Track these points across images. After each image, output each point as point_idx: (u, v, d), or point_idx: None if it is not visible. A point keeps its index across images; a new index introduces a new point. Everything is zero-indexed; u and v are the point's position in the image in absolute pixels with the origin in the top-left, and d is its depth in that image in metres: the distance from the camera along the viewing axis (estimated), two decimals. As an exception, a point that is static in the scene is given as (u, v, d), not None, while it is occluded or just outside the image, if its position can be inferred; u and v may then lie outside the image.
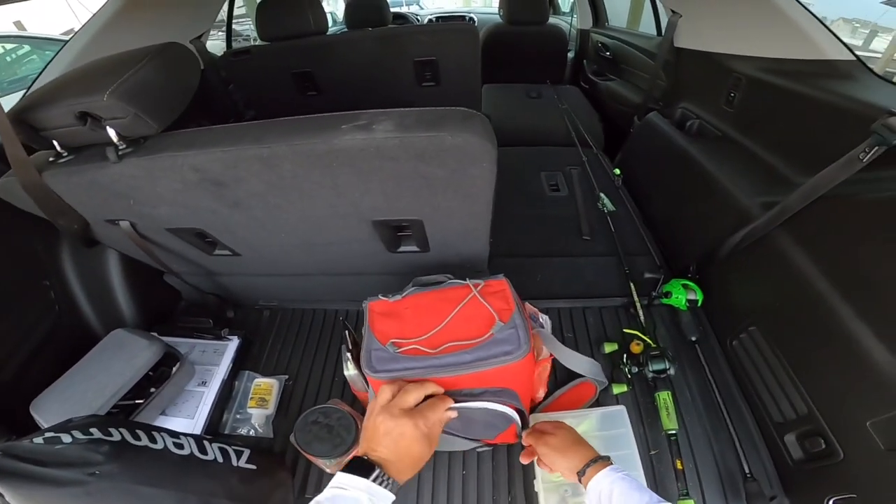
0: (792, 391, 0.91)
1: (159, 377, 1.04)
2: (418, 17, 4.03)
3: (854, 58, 1.05)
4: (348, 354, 0.91)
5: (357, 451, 0.63)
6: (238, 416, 1.09)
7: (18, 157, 0.77)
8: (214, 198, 0.84)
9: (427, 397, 0.69)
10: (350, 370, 0.92)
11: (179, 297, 1.39)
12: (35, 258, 1.09)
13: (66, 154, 0.84)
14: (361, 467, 0.58)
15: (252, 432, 1.06)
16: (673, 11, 1.59)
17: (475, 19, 3.89)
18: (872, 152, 0.77)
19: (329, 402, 0.97)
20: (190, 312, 1.35)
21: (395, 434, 0.62)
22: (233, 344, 1.20)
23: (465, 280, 0.84)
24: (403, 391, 0.67)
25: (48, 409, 0.93)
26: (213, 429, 1.07)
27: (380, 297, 0.85)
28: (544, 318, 1.00)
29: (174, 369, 1.05)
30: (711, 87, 1.43)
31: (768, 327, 1.01)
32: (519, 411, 0.79)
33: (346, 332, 0.94)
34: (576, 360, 1.00)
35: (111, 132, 0.76)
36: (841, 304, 0.81)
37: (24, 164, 0.79)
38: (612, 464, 0.71)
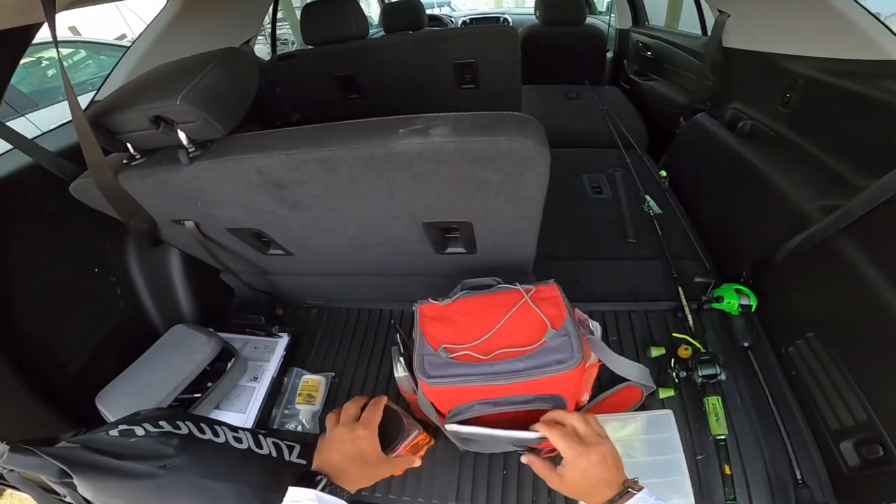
0: (851, 398, 0.88)
1: (215, 372, 1.08)
2: (452, 19, 4.06)
3: None
4: (400, 357, 0.93)
5: (313, 467, 0.67)
6: (286, 412, 1.12)
7: (96, 159, 0.81)
8: (275, 199, 0.88)
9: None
10: (400, 372, 0.93)
11: (233, 294, 1.45)
12: (104, 256, 1.16)
13: (139, 157, 0.89)
14: (308, 479, 0.62)
15: (300, 428, 1.09)
16: (720, 11, 1.54)
17: (510, 20, 3.89)
18: None
19: (375, 398, 0.98)
20: (242, 310, 1.40)
21: (347, 440, 0.69)
22: (283, 341, 1.24)
23: (515, 285, 0.84)
24: (343, 408, 0.76)
25: (113, 402, 0.98)
26: (263, 423, 1.10)
27: (430, 300, 0.85)
28: (594, 325, 0.99)
29: (229, 365, 1.10)
30: (764, 87, 1.39)
31: (828, 334, 0.97)
32: None
33: (398, 334, 0.96)
34: (626, 366, 0.98)
35: (182, 135, 0.80)
36: None
37: (100, 166, 0.83)
38: (635, 493, 0.61)
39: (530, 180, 0.75)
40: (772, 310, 1.16)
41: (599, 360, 0.96)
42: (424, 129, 0.73)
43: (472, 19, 3.98)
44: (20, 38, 0.87)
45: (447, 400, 0.80)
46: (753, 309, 1.16)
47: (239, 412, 1.10)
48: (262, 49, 2.62)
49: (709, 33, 1.94)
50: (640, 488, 0.61)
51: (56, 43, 0.73)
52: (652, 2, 2.80)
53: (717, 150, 1.47)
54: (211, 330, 1.15)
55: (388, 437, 0.83)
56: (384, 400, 0.78)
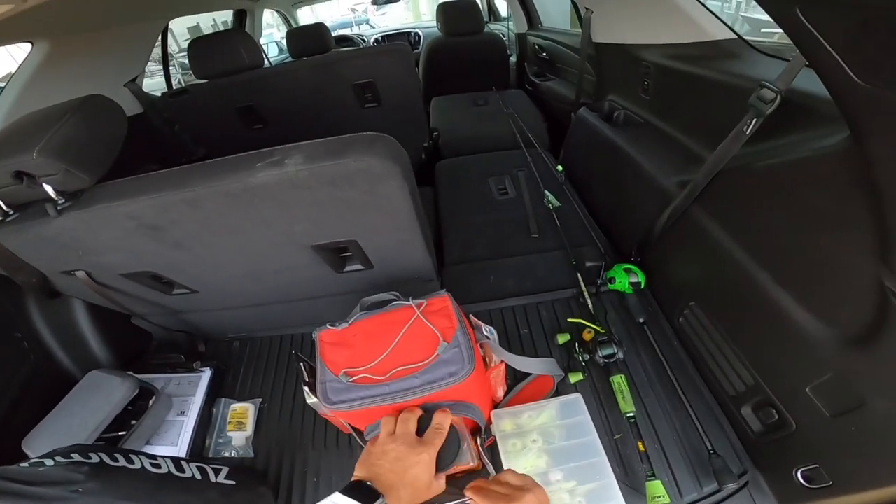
0: (737, 362, 0.93)
1: (138, 410, 1.11)
2: (364, 38, 4.09)
3: (736, 36, 1.14)
4: (306, 388, 0.92)
5: (357, 475, 0.61)
6: (220, 441, 1.16)
7: None
8: (155, 241, 0.88)
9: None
10: (311, 399, 0.92)
11: (150, 336, 1.43)
12: (2, 312, 1.14)
13: (12, 212, 0.87)
14: (363, 493, 0.55)
15: (234, 454, 1.13)
16: (587, 9, 1.68)
17: (421, 34, 3.97)
18: (753, 124, 0.84)
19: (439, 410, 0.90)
20: (162, 350, 1.40)
21: (409, 461, 0.61)
22: (206, 374, 1.27)
23: (409, 300, 0.86)
24: (401, 420, 0.69)
25: (38, 445, 1.00)
26: (197, 453, 1.13)
27: (327, 326, 0.86)
28: (488, 329, 1.01)
29: (150, 402, 1.13)
30: (629, 77, 1.51)
31: (705, 301, 1.05)
32: (476, 428, 0.82)
33: (301, 364, 0.95)
34: (528, 364, 1.03)
35: (48, 188, 0.79)
36: (759, 271, 0.85)
37: None
38: None
39: (388, 193, 0.80)
40: (659, 284, 1.26)
41: (502, 362, 1.00)
42: (280, 160, 0.76)
43: (383, 37, 4.03)
44: None
45: (358, 420, 0.83)
46: (643, 285, 1.26)
47: (171, 445, 1.12)
48: (159, 82, 2.51)
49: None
50: None
51: None
52: (554, 5, 2.95)
53: (598, 141, 1.58)
54: (128, 373, 1.16)
55: (442, 456, 0.72)
56: (450, 417, 0.69)
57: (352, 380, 0.77)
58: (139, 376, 1.16)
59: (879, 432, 0.67)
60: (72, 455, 0.81)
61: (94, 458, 0.82)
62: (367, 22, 7.42)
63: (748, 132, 0.85)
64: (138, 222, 0.83)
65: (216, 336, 1.43)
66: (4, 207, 0.86)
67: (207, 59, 1.75)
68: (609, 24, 1.60)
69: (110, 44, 1.57)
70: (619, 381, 1.06)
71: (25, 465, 0.78)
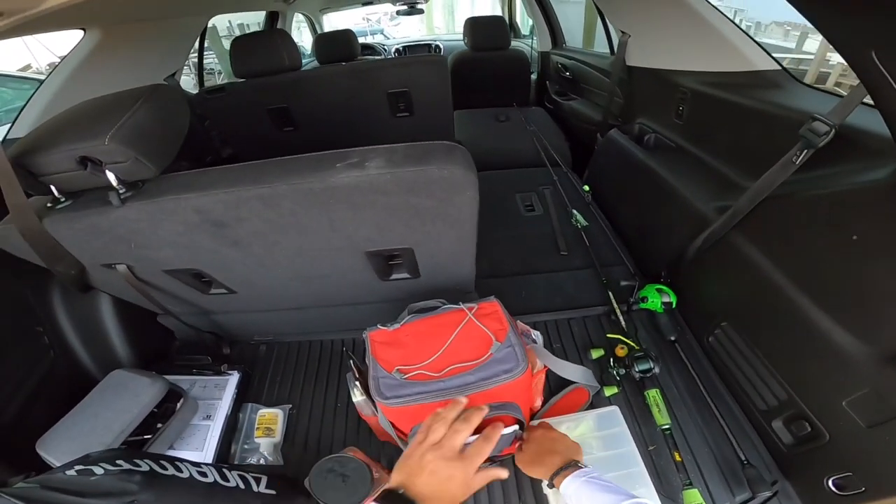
0: (770, 379, 0.97)
1: (164, 413, 1.08)
2: (385, 47, 4.14)
3: (780, 67, 1.17)
4: (356, 382, 0.94)
5: (391, 483, 0.61)
6: (246, 447, 1.13)
7: (19, 203, 0.77)
8: (215, 238, 0.87)
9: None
10: (357, 396, 0.95)
11: (174, 336, 1.40)
12: (26, 305, 1.11)
13: (63, 199, 0.85)
14: (392, 500, 0.56)
15: (262, 461, 1.09)
16: (623, 32, 1.71)
17: (441, 47, 4.02)
18: (803, 154, 0.87)
19: (345, 450, 0.97)
20: (186, 350, 1.36)
21: (442, 475, 0.60)
22: (233, 378, 1.23)
23: (458, 304, 0.89)
24: (453, 431, 0.64)
25: (56, 448, 0.96)
26: (223, 459, 1.10)
27: (378, 326, 0.89)
28: (536, 334, 1.06)
29: (178, 405, 1.10)
30: (662, 101, 1.55)
31: (738, 321, 1.08)
32: (520, 423, 0.84)
33: (351, 360, 0.97)
34: (569, 369, 1.06)
35: (111, 176, 0.77)
36: (798, 294, 0.89)
37: (24, 210, 0.79)
38: (580, 468, 0.71)
39: (461, 204, 0.81)
40: (689, 304, 1.29)
41: (545, 367, 1.03)
42: (360, 162, 0.77)
43: (404, 47, 4.07)
44: None
45: (406, 419, 0.83)
46: (674, 305, 1.29)
47: (195, 450, 1.09)
48: (188, 81, 2.53)
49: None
50: (580, 466, 0.72)
51: None
52: (570, 24, 3.03)
53: (629, 163, 1.62)
54: (153, 373, 1.13)
55: (355, 487, 0.83)
56: (493, 441, 0.67)
57: (406, 377, 0.80)
58: (165, 377, 1.13)
59: None
60: (118, 462, 0.77)
61: (144, 467, 0.79)
62: (382, 32, 7.50)
63: (797, 162, 0.88)
64: (204, 217, 0.82)
65: (242, 338, 1.42)
66: (56, 193, 0.84)
67: (248, 58, 1.75)
68: (645, 49, 1.64)
69: (156, 37, 1.59)
70: (654, 394, 1.09)
71: (72, 472, 0.73)
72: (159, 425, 1.05)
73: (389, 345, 0.87)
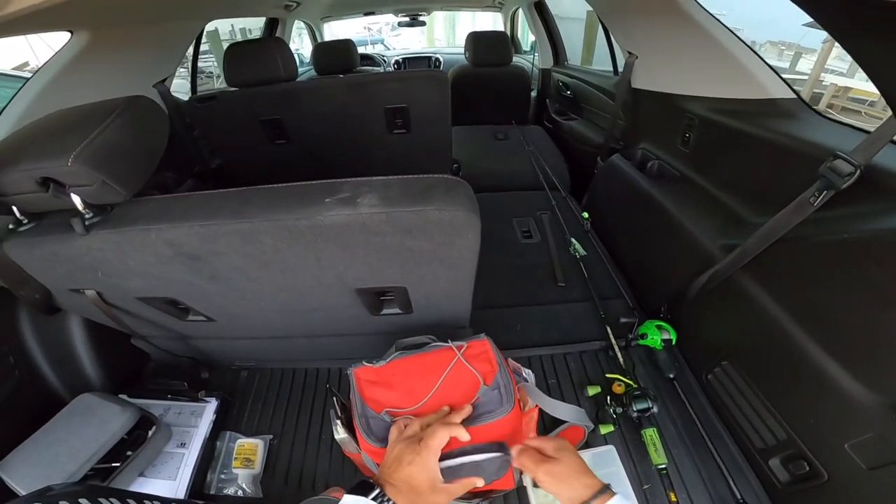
0: (769, 419, 0.95)
1: (135, 440, 1.03)
2: (385, 58, 4.11)
3: (795, 96, 1.13)
4: (338, 421, 0.88)
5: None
6: (223, 476, 1.08)
7: None
8: (190, 271, 0.81)
9: None
10: (340, 434, 0.90)
11: (148, 357, 1.33)
12: None
13: (26, 221, 0.79)
14: (363, 487, 0.60)
15: (240, 492, 1.04)
16: (629, 53, 1.67)
17: (441, 60, 4.01)
18: (822, 196, 0.82)
19: (328, 491, 0.92)
20: (161, 373, 1.29)
21: (405, 460, 0.64)
22: (211, 405, 1.18)
23: (447, 342, 0.85)
24: (431, 431, 0.67)
25: (18, 472, 0.92)
26: (198, 489, 1.05)
27: (364, 363, 0.84)
28: (527, 373, 1.04)
29: (150, 432, 1.05)
30: (668, 127, 1.50)
31: (741, 361, 1.05)
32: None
33: (335, 397, 0.91)
34: (560, 409, 1.02)
35: (76, 200, 0.71)
36: (806, 339, 0.85)
37: None
38: (615, 494, 0.68)
39: (462, 246, 0.75)
40: (690, 342, 1.24)
41: (536, 406, 0.98)
42: (352, 198, 0.70)
43: (404, 59, 4.05)
44: None
45: None
46: (674, 342, 1.24)
47: (168, 479, 1.04)
48: (183, 84, 2.47)
49: (620, 73, 2.08)
50: (615, 494, 0.66)
51: None
52: (569, 42, 3.01)
53: (631, 191, 1.57)
54: (124, 397, 1.10)
55: None
56: (455, 428, 0.69)
57: (395, 420, 0.76)
58: (136, 401, 1.09)
59: None
60: (80, 501, 0.68)
61: None
62: (382, 42, 7.52)
63: (816, 204, 0.83)
64: (177, 250, 0.75)
65: (222, 363, 1.35)
66: (18, 215, 0.77)
67: (243, 67, 1.70)
68: (653, 71, 1.59)
69: (147, 41, 1.52)
70: (651, 433, 1.06)
71: None
72: (129, 453, 1.00)
73: (376, 384, 0.82)
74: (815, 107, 1.12)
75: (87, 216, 0.73)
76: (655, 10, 1.39)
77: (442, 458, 0.67)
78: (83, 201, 0.71)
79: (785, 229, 0.91)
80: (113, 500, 0.71)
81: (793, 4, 0.67)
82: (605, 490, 0.67)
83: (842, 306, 0.81)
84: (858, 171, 0.77)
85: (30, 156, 0.69)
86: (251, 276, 0.83)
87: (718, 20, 1.25)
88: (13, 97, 1.23)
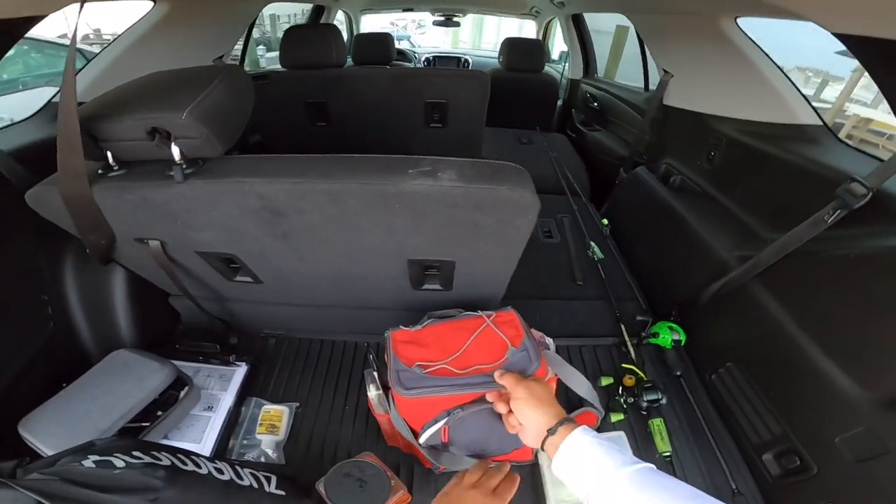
0: (767, 415, 1.02)
1: (167, 401, 1.02)
2: (416, 53, 4.21)
3: (822, 123, 1.20)
4: (375, 374, 0.95)
5: None
6: (245, 442, 1.07)
7: (74, 166, 0.74)
8: (267, 227, 0.87)
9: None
10: (372, 392, 0.96)
11: (179, 319, 1.37)
12: (35, 270, 1.06)
13: (116, 168, 0.82)
14: None
15: (263, 458, 1.04)
16: (665, 71, 1.74)
17: (470, 61, 4.09)
18: (836, 214, 0.90)
19: (361, 455, 0.97)
20: (190, 336, 1.33)
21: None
22: (241, 370, 1.19)
23: (477, 312, 0.95)
24: (487, 475, 0.76)
25: (44, 430, 0.89)
26: (221, 454, 1.05)
27: (400, 327, 0.94)
28: (549, 341, 1.10)
29: (182, 394, 1.04)
30: (695, 145, 1.58)
31: (745, 363, 1.13)
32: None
33: (372, 356, 0.99)
34: (577, 379, 1.06)
35: (175, 151, 0.76)
36: (809, 344, 0.93)
37: (78, 174, 0.75)
38: (580, 426, 0.67)
39: (520, 226, 0.83)
40: (697, 344, 1.33)
41: (556, 377, 1.06)
42: (433, 171, 0.77)
43: (435, 57, 4.15)
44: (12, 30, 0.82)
45: (422, 413, 0.86)
46: (683, 343, 1.33)
47: (192, 442, 1.03)
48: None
49: (650, 89, 2.14)
50: (579, 425, 0.67)
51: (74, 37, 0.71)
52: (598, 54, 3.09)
53: (652, 202, 1.66)
54: (161, 357, 1.09)
55: (373, 494, 0.86)
56: (517, 480, 0.79)
57: (426, 371, 0.84)
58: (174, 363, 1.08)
59: None
60: (136, 454, 0.70)
61: (166, 461, 0.72)
62: (409, 39, 7.59)
63: (829, 221, 0.91)
64: (264, 204, 0.81)
65: (251, 330, 1.37)
66: (111, 161, 0.81)
67: (299, 49, 1.77)
68: (686, 90, 1.66)
69: (215, 17, 1.60)
70: (658, 423, 1.13)
71: (90, 464, 0.66)
72: (159, 413, 0.99)
73: (410, 343, 0.90)
74: (839, 137, 1.19)
75: (183, 167, 0.79)
76: (697, 32, 1.47)
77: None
78: (181, 153, 0.77)
79: (799, 243, 0.99)
80: (166, 454, 0.74)
81: (826, 32, 0.74)
82: (570, 420, 0.68)
83: (845, 314, 0.89)
84: (871, 194, 0.85)
85: (143, 106, 0.74)
86: (322, 237, 0.89)
87: (759, 46, 1.32)
88: (94, 57, 1.32)
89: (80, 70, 1.28)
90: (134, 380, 0.99)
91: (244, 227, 0.88)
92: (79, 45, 0.91)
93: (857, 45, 0.69)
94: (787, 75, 1.27)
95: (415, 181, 0.76)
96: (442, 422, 0.83)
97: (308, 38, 1.77)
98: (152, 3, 1.37)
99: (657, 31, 1.76)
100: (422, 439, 0.87)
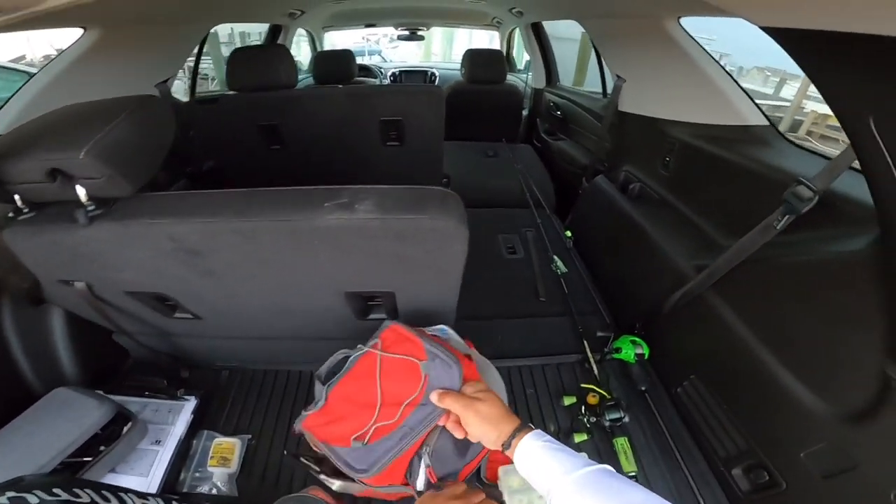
0: (732, 430, 1.00)
1: (109, 436, 1.01)
2: (382, 69, 4.18)
3: (769, 123, 1.20)
4: (322, 477, 0.88)
5: None
6: (197, 475, 1.07)
7: None
8: (187, 266, 0.83)
9: None
10: (335, 483, 0.88)
11: (127, 354, 1.33)
12: None
13: (26, 210, 0.80)
14: None
15: (214, 490, 1.04)
16: (618, 76, 1.73)
17: (437, 75, 4.08)
18: (785, 219, 0.88)
19: (307, 489, 0.91)
20: (140, 370, 1.29)
21: None
22: (189, 403, 1.18)
23: (359, 348, 0.84)
24: (466, 491, 0.71)
25: None
26: (171, 487, 1.04)
27: (304, 414, 0.82)
28: (439, 328, 0.98)
29: (125, 429, 1.03)
30: (651, 150, 1.57)
31: (707, 375, 1.11)
32: None
33: (302, 459, 0.90)
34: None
35: (81, 192, 0.73)
36: (766, 354, 0.92)
37: None
38: (533, 429, 0.68)
39: (451, 255, 0.80)
40: (661, 357, 1.30)
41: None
42: (350, 203, 0.74)
43: (401, 71, 4.12)
44: None
45: (394, 475, 0.78)
46: (647, 357, 1.30)
47: (140, 475, 1.03)
48: (179, 86, 2.49)
49: (608, 95, 2.12)
50: (533, 429, 0.67)
51: None
52: (562, 62, 3.09)
53: (612, 212, 1.65)
54: (100, 393, 1.08)
55: None
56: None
57: (366, 442, 0.76)
58: (113, 397, 1.08)
59: (864, 491, 0.73)
60: (55, 491, 0.69)
61: (85, 498, 0.70)
62: (380, 53, 7.59)
63: (779, 227, 0.89)
64: (178, 245, 0.78)
65: (203, 363, 1.34)
66: (20, 203, 0.79)
67: (245, 72, 1.73)
68: (639, 95, 1.66)
69: (154, 41, 1.55)
70: (622, 442, 1.11)
71: (3, 500, 0.65)
72: (102, 448, 0.98)
73: (328, 425, 0.80)
74: (794, 133, 1.20)
75: (89, 208, 0.76)
76: (645, 36, 1.47)
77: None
78: (87, 194, 0.74)
79: (751, 250, 0.97)
80: (88, 490, 0.72)
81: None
82: (524, 426, 0.68)
83: (799, 324, 0.88)
84: (817, 197, 0.83)
85: (41, 146, 0.71)
86: (247, 273, 0.86)
87: (703, 48, 1.33)
88: (19, 89, 1.25)
89: (10, 98, 1.23)
90: (71, 417, 0.99)
91: (164, 267, 0.85)
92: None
93: (783, 38, 0.68)
94: (732, 77, 1.27)
95: (330, 215, 0.73)
96: (423, 466, 0.76)
97: (255, 59, 1.74)
98: (82, 30, 1.31)
99: (607, 35, 1.77)
100: (413, 482, 0.79)
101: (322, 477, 0.86)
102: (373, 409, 0.77)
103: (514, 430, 0.67)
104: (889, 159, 0.60)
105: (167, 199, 0.81)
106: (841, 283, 0.81)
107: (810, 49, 0.66)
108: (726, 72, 1.28)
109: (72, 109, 0.82)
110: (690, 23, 1.35)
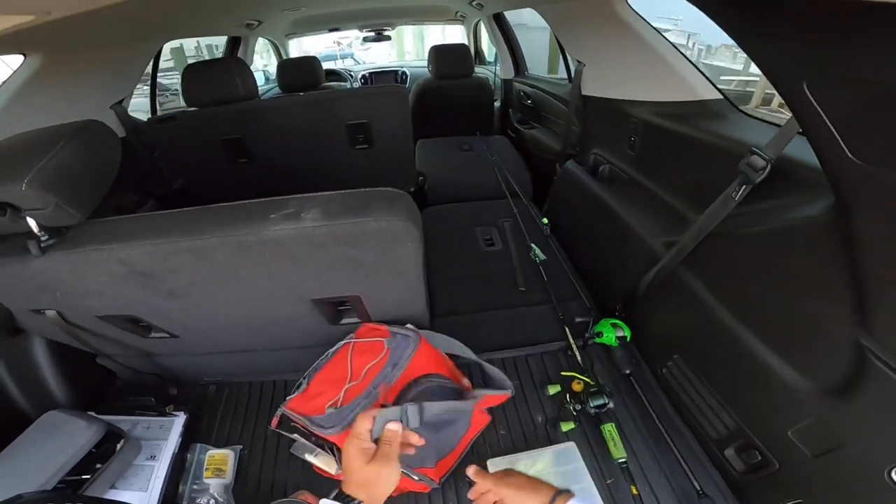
0: (720, 409, 0.99)
1: (103, 453, 1.04)
2: (352, 73, 4.14)
3: (722, 97, 1.21)
4: (300, 440, 0.91)
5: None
6: (195, 487, 1.09)
7: None
8: (146, 289, 0.83)
9: None
10: (311, 458, 0.96)
11: (115, 375, 1.34)
12: None
13: None
14: (343, 498, 0.64)
15: (212, 501, 1.06)
16: (578, 61, 1.74)
17: (408, 74, 4.05)
18: (742, 190, 0.88)
19: (295, 494, 0.94)
20: (128, 391, 1.31)
21: (346, 456, 0.68)
22: (179, 419, 1.20)
23: (341, 342, 0.97)
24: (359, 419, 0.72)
25: None
26: (170, 500, 1.08)
27: (287, 398, 0.91)
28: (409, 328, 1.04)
29: (119, 445, 1.06)
30: (616, 132, 1.57)
31: (689, 354, 1.10)
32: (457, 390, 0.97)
33: (291, 435, 0.93)
34: (461, 347, 1.04)
35: (32, 223, 0.73)
36: (741, 329, 0.91)
37: None
38: (574, 495, 0.72)
39: (404, 255, 0.79)
40: (644, 338, 1.30)
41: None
42: (296, 213, 0.74)
43: (371, 73, 4.09)
44: None
45: None
46: (629, 339, 1.29)
47: (139, 490, 1.06)
48: (144, 103, 2.44)
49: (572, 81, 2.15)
50: (573, 495, 0.71)
51: None
52: (536, 51, 3.10)
53: (584, 196, 1.64)
54: (91, 413, 1.10)
55: None
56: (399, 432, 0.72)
57: (339, 406, 0.84)
58: (104, 417, 1.09)
59: (858, 470, 0.72)
60: None
61: None
62: (352, 56, 7.53)
63: (737, 198, 0.90)
64: (130, 269, 0.78)
65: (190, 379, 1.35)
66: None
67: (201, 86, 1.71)
68: (600, 78, 1.66)
69: (103, 62, 1.51)
70: (609, 428, 1.09)
71: None
72: (98, 465, 1.01)
73: (306, 401, 0.89)
74: (767, 107, 1.21)
75: (42, 238, 0.76)
76: (598, 20, 1.47)
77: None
78: (38, 224, 0.73)
79: (714, 224, 0.97)
80: None
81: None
82: (564, 491, 0.72)
83: (769, 297, 0.87)
84: (769, 165, 0.83)
85: None
86: (207, 291, 0.85)
87: (653, 27, 1.33)
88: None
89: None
90: (63, 437, 1.02)
91: (124, 291, 0.85)
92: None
93: (708, 8, 0.67)
94: (684, 54, 1.28)
95: (276, 227, 0.73)
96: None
97: (209, 74, 1.71)
98: (22, 57, 1.27)
99: (563, 20, 1.76)
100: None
101: (300, 448, 0.92)
102: (343, 382, 0.87)
103: (554, 494, 0.72)
104: (827, 122, 0.60)
105: (116, 224, 0.81)
106: (803, 251, 0.80)
107: (736, 17, 0.66)
108: (679, 50, 1.29)
109: (15, 140, 0.81)
110: (659, 5, 1.36)
